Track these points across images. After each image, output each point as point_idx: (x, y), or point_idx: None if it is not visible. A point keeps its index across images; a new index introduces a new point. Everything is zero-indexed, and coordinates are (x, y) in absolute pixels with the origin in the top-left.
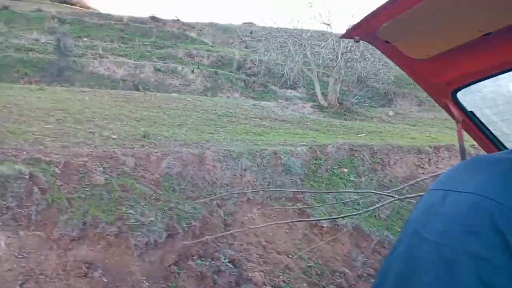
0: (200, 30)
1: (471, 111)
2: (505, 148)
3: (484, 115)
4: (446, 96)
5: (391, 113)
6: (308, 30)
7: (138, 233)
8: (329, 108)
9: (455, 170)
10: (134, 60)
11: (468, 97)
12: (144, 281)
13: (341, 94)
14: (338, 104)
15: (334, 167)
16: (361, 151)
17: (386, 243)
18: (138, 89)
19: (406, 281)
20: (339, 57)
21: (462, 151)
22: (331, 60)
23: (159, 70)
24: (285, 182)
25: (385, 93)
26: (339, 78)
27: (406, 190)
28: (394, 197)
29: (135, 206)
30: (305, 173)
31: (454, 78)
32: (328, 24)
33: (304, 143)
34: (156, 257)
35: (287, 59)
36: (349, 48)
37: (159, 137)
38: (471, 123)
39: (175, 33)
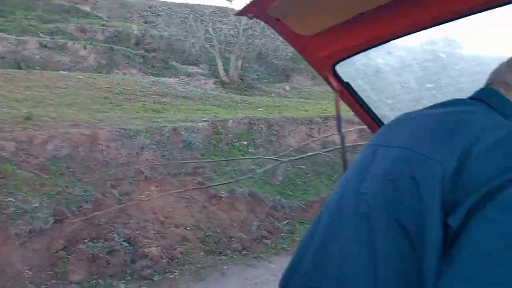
0: (94, 4)
1: (347, 82)
2: (375, 115)
3: (358, 86)
4: (327, 69)
5: (287, 88)
6: (211, 6)
7: (20, 221)
8: (230, 84)
9: (387, 126)
10: (16, 36)
11: (345, 69)
12: (27, 271)
13: (243, 70)
14: (239, 80)
15: (234, 140)
16: (259, 124)
17: (278, 206)
18: (20, 67)
19: (335, 234)
20: (241, 34)
21: (338, 119)
22: (233, 37)
23: (45, 46)
24: (185, 157)
25: (283, 69)
26: (240, 54)
27: (293, 156)
28: (280, 160)
29: (15, 193)
30: (206, 148)
31: (333, 52)
32: (230, 1)
33: (206, 119)
34: (42, 245)
35: (188, 35)
36: (250, 25)
37: (44, 118)
38: (348, 93)
39: (65, 6)
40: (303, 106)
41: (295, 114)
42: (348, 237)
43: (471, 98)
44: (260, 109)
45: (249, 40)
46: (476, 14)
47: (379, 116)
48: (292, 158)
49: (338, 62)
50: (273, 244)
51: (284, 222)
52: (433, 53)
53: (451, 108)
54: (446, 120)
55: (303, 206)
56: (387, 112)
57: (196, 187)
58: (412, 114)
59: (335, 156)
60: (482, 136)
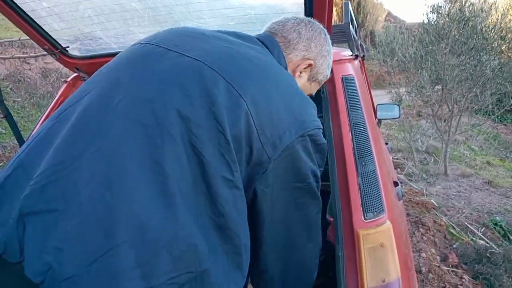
0: None
1: None
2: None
3: None
4: None
5: None
6: None
7: None
8: None
9: (170, 33)
10: None
11: None
12: None
13: None
14: None
15: None
16: None
17: None
18: None
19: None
20: None
21: None
22: None
23: None
24: None
25: None
26: None
27: None
28: None
29: None
30: None
31: None
32: None
33: None
34: None
35: None
36: None
37: None
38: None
39: None
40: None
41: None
42: (123, 150)
43: (257, 39)
44: None
45: None
46: None
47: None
48: None
49: None
50: None
51: None
52: None
53: (249, 44)
54: (248, 54)
55: None
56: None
57: None
58: (197, 30)
59: None
60: (275, 86)
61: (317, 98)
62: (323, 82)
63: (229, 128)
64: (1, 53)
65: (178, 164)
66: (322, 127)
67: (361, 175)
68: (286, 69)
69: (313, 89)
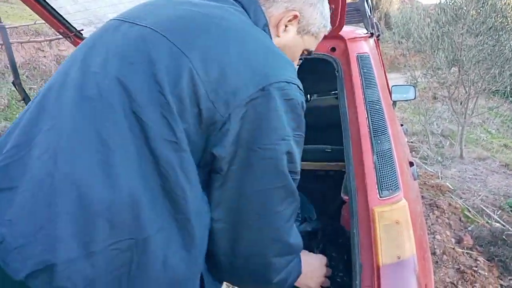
0: None
1: None
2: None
3: None
4: None
5: None
6: None
7: None
8: None
9: (141, 5)
10: None
11: None
12: None
13: None
14: None
15: None
16: None
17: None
18: None
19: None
20: None
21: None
22: None
23: None
24: None
25: None
26: None
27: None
28: None
29: None
30: None
31: None
32: None
33: None
34: None
35: None
36: None
37: None
38: None
39: None
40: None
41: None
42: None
43: None
44: None
45: None
46: None
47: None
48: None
49: None
50: None
51: None
52: None
53: (219, 4)
54: (211, 14)
55: None
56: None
57: None
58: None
59: None
60: (237, 46)
61: (332, 76)
62: (322, 35)
63: (169, 87)
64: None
65: (119, 133)
66: (297, 83)
67: (377, 153)
68: (267, 26)
69: (309, 43)
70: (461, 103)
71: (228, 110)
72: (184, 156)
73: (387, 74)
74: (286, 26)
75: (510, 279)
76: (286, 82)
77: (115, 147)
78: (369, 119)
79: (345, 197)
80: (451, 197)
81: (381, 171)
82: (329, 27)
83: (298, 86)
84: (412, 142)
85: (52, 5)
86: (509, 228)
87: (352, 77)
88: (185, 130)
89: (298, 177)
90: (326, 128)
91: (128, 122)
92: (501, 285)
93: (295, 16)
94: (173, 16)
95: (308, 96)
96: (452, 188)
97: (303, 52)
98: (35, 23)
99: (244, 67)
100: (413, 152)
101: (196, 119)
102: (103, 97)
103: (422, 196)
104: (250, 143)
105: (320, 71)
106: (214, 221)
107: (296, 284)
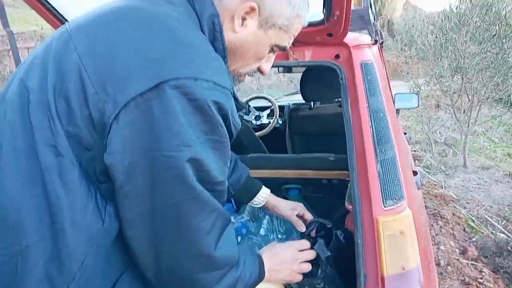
0: None
1: None
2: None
3: None
4: None
5: None
6: None
7: None
8: None
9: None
10: None
11: None
12: None
13: None
14: None
15: None
16: None
17: None
18: None
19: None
20: None
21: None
22: None
23: None
24: None
25: None
26: None
27: None
28: None
29: None
30: None
31: None
32: None
33: None
34: None
35: None
36: None
37: None
38: None
39: None
40: None
41: None
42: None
43: None
44: None
45: None
46: None
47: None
48: None
49: None
50: None
51: None
52: None
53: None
54: (130, 6)
55: None
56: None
57: None
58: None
59: None
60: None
61: (336, 84)
62: (296, 27)
63: (53, 88)
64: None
65: (13, 135)
66: (210, 80)
67: (381, 162)
68: (217, 17)
69: (278, 38)
70: (464, 112)
71: (116, 108)
72: (62, 162)
73: (390, 81)
74: (244, 19)
75: None
76: (191, 78)
77: (7, 149)
78: (373, 127)
79: (349, 207)
80: (455, 206)
81: (385, 180)
82: (304, 16)
83: (215, 83)
84: (415, 151)
85: (59, 11)
86: None
87: (356, 84)
88: (71, 133)
89: (221, 187)
90: (329, 136)
91: (23, 124)
92: None
93: (253, 8)
94: (91, 14)
95: (312, 103)
96: (456, 198)
97: (272, 48)
98: (42, 29)
99: (136, 57)
100: (416, 161)
101: (88, 121)
102: (10, 100)
103: (425, 206)
104: (147, 150)
105: (323, 79)
106: (130, 239)
107: (265, 281)
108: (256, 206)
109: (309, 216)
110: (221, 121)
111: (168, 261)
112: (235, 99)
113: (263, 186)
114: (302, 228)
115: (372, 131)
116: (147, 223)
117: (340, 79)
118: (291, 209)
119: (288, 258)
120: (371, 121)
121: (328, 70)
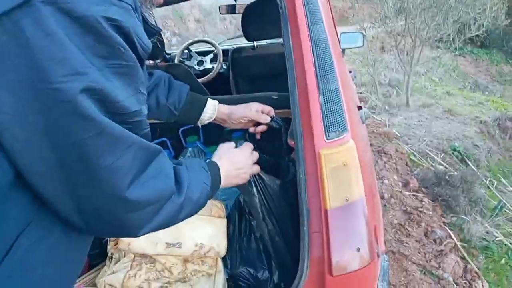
0: None
1: None
2: None
3: None
4: None
5: None
6: None
7: None
8: None
9: None
10: None
11: None
12: None
13: None
14: None
15: None
16: None
17: None
18: None
19: None
20: None
21: None
22: None
23: None
24: None
25: None
26: None
27: None
28: None
29: None
30: None
31: None
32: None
33: None
34: None
35: None
36: None
37: None
38: None
39: None
40: None
41: None
42: None
43: None
44: None
45: None
46: None
47: None
48: None
49: None
50: None
51: None
52: None
53: None
54: None
55: None
56: None
57: None
58: None
59: None
60: None
61: (276, 14)
62: None
63: None
64: None
65: None
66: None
67: (323, 93)
68: None
69: None
70: (407, 53)
71: None
72: None
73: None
74: None
75: (451, 217)
76: None
77: None
78: (315, 57)
79: (291, 142)
80: (398, 143)
81: (327, 112)
82: None
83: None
84: (361, 93)
85: None
86: (451, 169)
87: (297, 12)
88: None
89: (138, 117)
90: (274, 77)
91: None
92: (443, 222)
93: None
94: None
95: (254, 44)
96: (399, 135)
97: None
98: None
99: None
100: (362, 102)
101: None
102: None
103: (370, 144)
104: (30, 82)
105: (265, 14)
106: (43, 188)
107: (223, 187)
108: (207, 122)
109: (268, 108)
110: (122, 42)
111: (89, 204)
112: (145, 21)
113: (209, 98)
114: (268, 119)
115: (314, 61)
116: (56, 168)
117: (280, 8)
118: (254, 110)
119: (245, 162)
120: (313, 51)
121: (270, 5)
